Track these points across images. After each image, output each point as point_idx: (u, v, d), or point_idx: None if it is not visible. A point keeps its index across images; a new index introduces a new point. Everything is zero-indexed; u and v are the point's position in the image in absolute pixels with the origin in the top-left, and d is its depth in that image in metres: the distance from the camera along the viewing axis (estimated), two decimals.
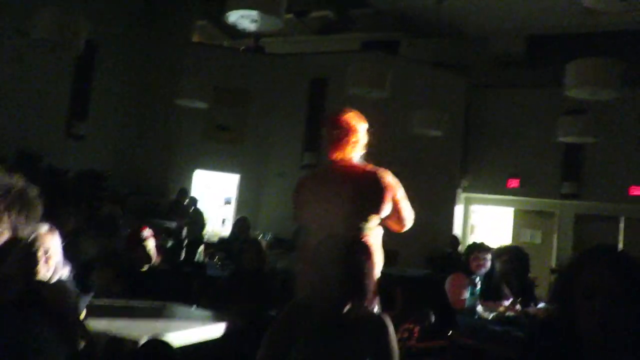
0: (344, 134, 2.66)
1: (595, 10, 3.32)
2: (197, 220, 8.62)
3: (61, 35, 5.46)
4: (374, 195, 2.65)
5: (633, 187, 9.93)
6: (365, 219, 2.61)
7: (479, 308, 3.07)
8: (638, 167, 9.88)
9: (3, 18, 7.53)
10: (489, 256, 3.72)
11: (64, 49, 6.03)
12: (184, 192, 9.10)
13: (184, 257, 5.99)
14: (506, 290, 3.57)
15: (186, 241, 7.55)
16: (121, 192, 9.32)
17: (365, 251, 1.93)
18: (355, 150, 2.70)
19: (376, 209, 2.64)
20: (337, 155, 2.67)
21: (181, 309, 2.69)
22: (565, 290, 1.30)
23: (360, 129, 2.72)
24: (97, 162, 9.15)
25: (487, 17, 10.33)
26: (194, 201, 9.01)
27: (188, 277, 3.79)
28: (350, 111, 2.76)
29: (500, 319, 2.98)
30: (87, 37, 5.90)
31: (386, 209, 2.66)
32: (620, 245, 10.37)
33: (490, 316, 3.05)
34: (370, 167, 2.73)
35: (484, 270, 3.62)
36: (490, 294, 3.50)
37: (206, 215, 9.05)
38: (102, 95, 9.39)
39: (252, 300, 2.72)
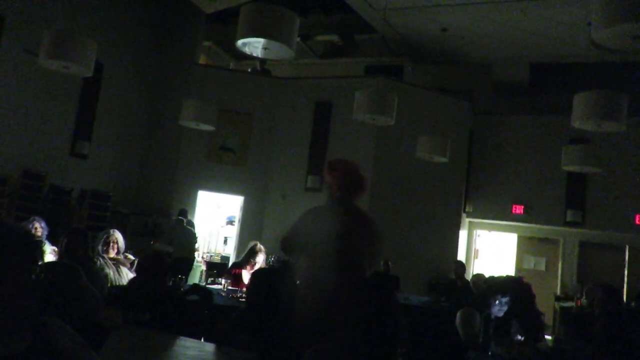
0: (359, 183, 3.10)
1: (604, 46, 3.32)
2: (184, 240, 8.42)
3: (70, 57, 5.49)
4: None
5: (639, 215, 9.90)
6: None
7: (492, 345, 3.01)
8: None
9: (12, 38, 7.59)
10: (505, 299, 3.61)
11: (73, 70, 6.06)
12: (184, 212, 8.96)
13: (184, 280, 5.92)
14: (516, 325, 3.49)
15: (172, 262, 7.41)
16: (123, 212, 9.30)
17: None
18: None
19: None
20: (349, 199, 3.08)
21: (192, 344, 2.63)
22: None
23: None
24: (101, 182, 9.15)
25: (490, 45, 10.41)
26: (179, 220, 8.78)
27: (194, 305, 3.73)
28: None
29: (514, 356, 2.91)
30: (96, 58, 5.94)
31: None
32: (625, 274, 10.31)
33: (502, 352, 2.99)
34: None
35: (501, 313, 3.52)
36: (499, 329, 3.42)
37: (197, 234, 8.90)
38: (107, 115, 9.42)
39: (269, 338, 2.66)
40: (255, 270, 3.36)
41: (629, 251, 10.42)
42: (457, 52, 10.77)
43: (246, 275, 5.58)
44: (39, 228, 5.17)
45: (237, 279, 5.58)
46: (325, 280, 2.83)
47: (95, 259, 4.35)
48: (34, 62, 6.04)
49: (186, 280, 6.97)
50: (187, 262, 8.13)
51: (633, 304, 7.49)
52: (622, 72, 9.92)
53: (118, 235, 4.43)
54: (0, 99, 7.61)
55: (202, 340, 3.23)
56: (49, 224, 5.41)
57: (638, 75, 9.95)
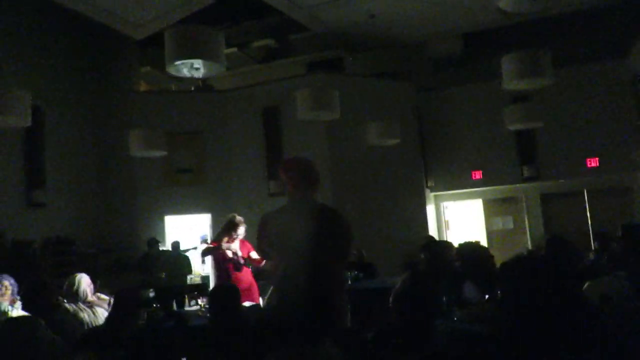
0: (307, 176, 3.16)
1: (509, 12, 3.53)
2: (177, 268, 8.53)
3: (4, 111, 5.45)
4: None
5: (589, 159, 10.30)
6: None
7: (455, 310, 3.16)
8: (589, 139, 10.27)
9: None
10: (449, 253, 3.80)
11: (10, 123, 5.99)
12: (154, 241, 9.00)
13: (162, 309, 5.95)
14: (472, 288, 3.61)
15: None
16: (89, 253, 9.17)
17: None
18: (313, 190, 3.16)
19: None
20: (307, 196, 3.11)
21: None
22: None
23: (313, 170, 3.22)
24: (63, 228, 9.00)
25: (421, 22, 10.61)
26: (175, 248, 8.92)
27: (170, 333, 3.77)
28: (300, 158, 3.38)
29: (473, 317, 3.06)
30: (33, 105, 5.89)
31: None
32: (588, 217, 10.70)
33: (461, 316, 3.13)
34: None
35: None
36: (457, 294, 3.55)
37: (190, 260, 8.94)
38: (57, 159, 9.27)
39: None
40: (216, 287, 3.41)
41: (587, 195, 10.84)
42: (390, 35, 10.97)
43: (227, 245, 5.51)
44: (8, 285, 5.09)
45: (220, 253, 5.51)
46: (296, 282, 2.84)
47: (69, 306, 4.35)
48: None
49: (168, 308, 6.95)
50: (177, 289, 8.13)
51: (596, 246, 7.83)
52: (544, 27, 10.30)
53: (84, 279, 4.42)
54: None
55: None
56: (16, 279, 5.34)
57: (558, 29, 10.35)
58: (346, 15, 9.50)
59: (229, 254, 5.51)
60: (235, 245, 5.60)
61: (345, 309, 3.05)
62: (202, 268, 11.08)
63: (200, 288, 8.27)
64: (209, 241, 10.91)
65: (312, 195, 3.11)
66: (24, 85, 7.07)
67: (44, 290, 3.39)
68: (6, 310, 4.73)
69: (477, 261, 3.50)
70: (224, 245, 5.53)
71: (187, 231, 10.77)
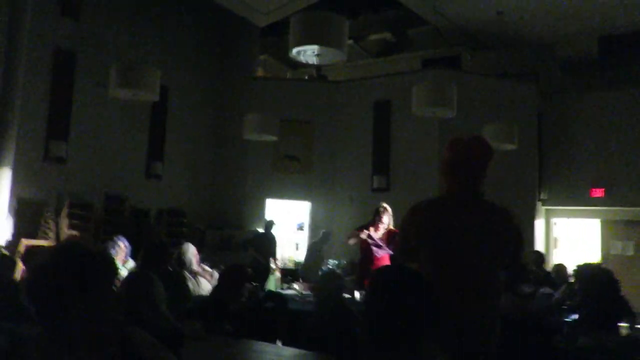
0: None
1: None
2: (268, 246, 8.76)
3: (137, 85, 5.81)
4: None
5: None
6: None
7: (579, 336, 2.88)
8: None
9: (84, 73, 8.15)
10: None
11: (140, 97, 6.41)
12: (271, 223, 9.24)
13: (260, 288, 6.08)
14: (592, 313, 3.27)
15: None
16: (200, 228, 9.67)
17: None
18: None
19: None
20: (469, 191, 2.51)
21: (268, 347, 2.71)
22: None
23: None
24: (175, 200, 9.56)
25: (552, 22, 9.94)
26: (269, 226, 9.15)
27: (269, 312, 3.83)
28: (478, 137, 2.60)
29: (598, 345, 2.76)
30: (161, 83, 6.25)
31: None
32: None
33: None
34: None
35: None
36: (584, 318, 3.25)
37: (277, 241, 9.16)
38: (175, 136, 9.86)
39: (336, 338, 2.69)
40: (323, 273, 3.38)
41: None
42: (517, 34, 10.36)
43: (373, 234, 5.60)
44: (123, 246, 5.44)
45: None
46: (451, 288, 2.27)
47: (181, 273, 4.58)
48: (105, 94, 6.43)
49: (262, 287, 7.15)
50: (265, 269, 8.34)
51: None
52: None
53: (190, 249, 4.63)
54: (79, 131, 8.17)
55: (281, 344, 3.32)
56: (131, 243, 5.69)
57: None
58: (471, 10, 9.11)
59: (363, 236, 5.57)
60: (378, 233, 5.62)
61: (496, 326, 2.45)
62: (295, 254, 11.28)
63: (294, 273, 8.46)
64: (304, 229, 11.11)
65: (478, 187, 2.50)
66: (154, 62, 7.54)
67: (164, 253, 3.56)
68: (118, 268, 5.07)
69: (599, 285, 3.13)
70: (363, 234, 5.59)
71: (283, 215, 10.95)
